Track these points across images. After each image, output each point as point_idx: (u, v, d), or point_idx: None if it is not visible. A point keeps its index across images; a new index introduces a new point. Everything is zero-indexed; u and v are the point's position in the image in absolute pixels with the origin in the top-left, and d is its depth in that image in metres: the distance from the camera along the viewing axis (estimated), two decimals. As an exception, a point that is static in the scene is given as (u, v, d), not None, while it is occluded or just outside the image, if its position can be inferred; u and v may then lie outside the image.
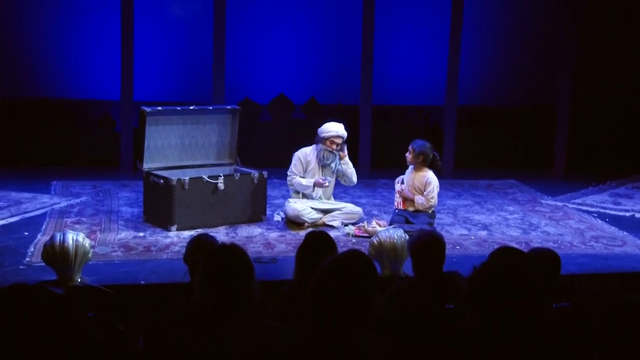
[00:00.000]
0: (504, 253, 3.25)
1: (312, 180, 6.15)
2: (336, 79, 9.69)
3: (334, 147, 6.14)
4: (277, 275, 4.62)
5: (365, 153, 9.11)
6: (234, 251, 2.57)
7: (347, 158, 6.23)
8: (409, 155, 6.10)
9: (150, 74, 9.27)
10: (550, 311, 2.81)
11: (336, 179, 6.40)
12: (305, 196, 6.28)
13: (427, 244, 3.49)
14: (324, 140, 6.13)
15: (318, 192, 6.27)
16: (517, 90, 9.97)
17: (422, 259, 3.49)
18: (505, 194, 7.98)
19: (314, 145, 6.24)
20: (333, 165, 6.20)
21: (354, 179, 6.33)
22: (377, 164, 9.06)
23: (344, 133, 6.17)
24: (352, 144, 9.46)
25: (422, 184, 6.11)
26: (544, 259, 3.46)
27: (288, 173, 6.23)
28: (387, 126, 9.50)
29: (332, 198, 6.44)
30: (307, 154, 6.22)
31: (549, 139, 9.54)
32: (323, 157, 6.16)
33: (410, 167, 6.21)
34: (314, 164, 6.21)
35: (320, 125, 6.22)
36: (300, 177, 6.19)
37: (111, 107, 9.03)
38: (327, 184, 6.15)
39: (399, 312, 3.07)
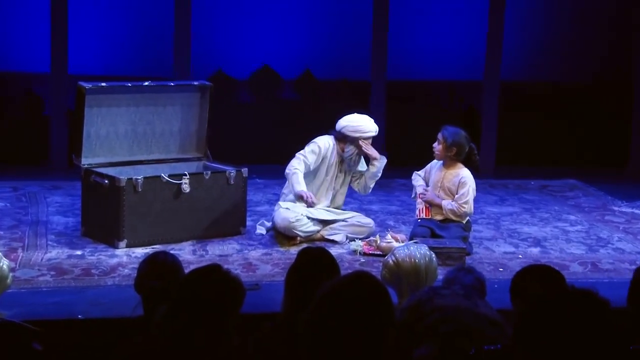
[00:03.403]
0: (534, 276, 3.31)
1: (301, 191, 6.11)
2: (339, 45, 9.69)
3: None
4: (261, 306, 4.62)
5: (377, 144, 9.10)
6: (227, 278, 2.58)
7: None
8: (438, 147, 6.10)
9: (91, 38, 9.25)
10: (626, 354, 2.81)
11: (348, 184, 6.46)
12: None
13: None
14: (355, 140, 6.18)
15: (326, 197, 6.30)
16: (579, 61, 9.98)
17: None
18: (564, 198, 7.98)
19: (331, 137, 6.26)
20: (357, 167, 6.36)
21: (372, 186, 6.46)
22: (393, 158, 9.00)
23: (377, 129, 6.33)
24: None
25: (454, 184, 6.11)
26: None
27: (297, 155, 6.19)
28: (406, 109, 9.50)
29: (342, 204, 6.49)
30: (329, 146, 6.25)
31: (622, 125, 9.55)
32: (352, 162, 6.23)
33: (439, 163, 6.21)
34: (331, 162, 6.23)
35: (341, 116, 6.28)
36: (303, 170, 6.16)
37: (38, 81, 9.01)
38: (314, 204, 6.15)
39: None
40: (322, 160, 6.25)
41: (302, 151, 6.21)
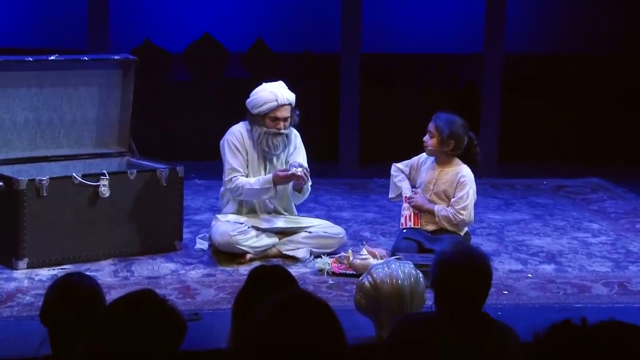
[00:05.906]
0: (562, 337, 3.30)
1: (269, 177, 6.09)
2: (300, 9, 9.70)
3: (281, 125, 6.14)
4: (202, 341, 4.62)
5: (349, 135, 9.13)
6: (163, 307, 2.58)
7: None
8: (430, 141, 6.11)
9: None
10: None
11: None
12: (250, 208, 6.26)
13: (463, 268, 3.45)
14: (260, 119, 6.13)
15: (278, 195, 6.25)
16: (600, 28, 10.07)
17: (451, 292, 3.50)
18: (585, 202, 8.06)
19: (244, 123, 6.24)
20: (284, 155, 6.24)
21: (305, 194, 6.32)
22: (369, 153, 9.09)
23: (289, 96, 6.15)
24: (329, 122, 9.46)
25: (451, 186, 6.13)
26: None
27: (225, 175, 6.19)
28: (385, 88, 9.53)
29: (294, 208, 6.46)
30: (241, 134, 6.22)
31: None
32: (268, 147, 6.16)
33: (430, 159, 6.23)
34: (252, 153, 6.18)
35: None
36: (243, 176, 6.15)
37: None
38: (300, 172, 5.98)
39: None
40: (245, 152, 6.20)
41: (226, 166, 6.16)
